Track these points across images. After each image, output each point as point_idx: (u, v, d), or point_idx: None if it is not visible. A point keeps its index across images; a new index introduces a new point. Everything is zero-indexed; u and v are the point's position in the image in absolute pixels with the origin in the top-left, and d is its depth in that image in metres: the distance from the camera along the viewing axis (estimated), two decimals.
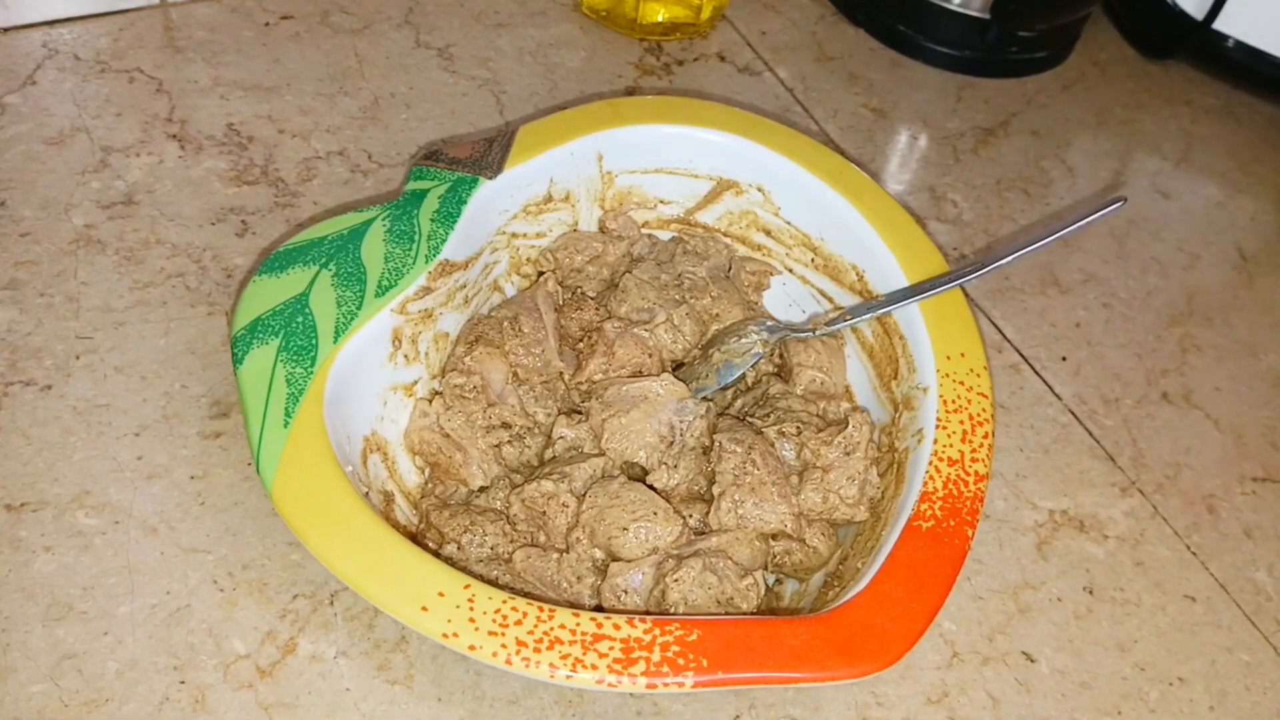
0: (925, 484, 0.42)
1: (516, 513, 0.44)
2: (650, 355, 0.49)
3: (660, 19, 0.71)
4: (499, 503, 0.46)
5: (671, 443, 0.46)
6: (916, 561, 0.40)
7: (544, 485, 0.44)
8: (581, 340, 0.51)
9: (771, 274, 0.55)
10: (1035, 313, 0.61)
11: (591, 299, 0.53)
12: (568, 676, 0.35)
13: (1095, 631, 0.47)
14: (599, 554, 0.43)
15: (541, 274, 0.53)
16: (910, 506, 0.41)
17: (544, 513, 0.44)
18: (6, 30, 0.63)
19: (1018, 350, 0.58)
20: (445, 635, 0.35)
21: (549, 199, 0.53)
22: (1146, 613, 0.48)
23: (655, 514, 0.43)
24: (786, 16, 0.77)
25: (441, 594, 0.36)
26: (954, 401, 0.45)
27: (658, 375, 0.47)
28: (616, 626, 0.36)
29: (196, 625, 0.42)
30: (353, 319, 0.44)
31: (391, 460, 0.46)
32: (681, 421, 0.46)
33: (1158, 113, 0.76)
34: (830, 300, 0.54)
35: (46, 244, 0.53)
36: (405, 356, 0.47)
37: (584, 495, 0.44)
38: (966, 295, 0.50)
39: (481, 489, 0.47)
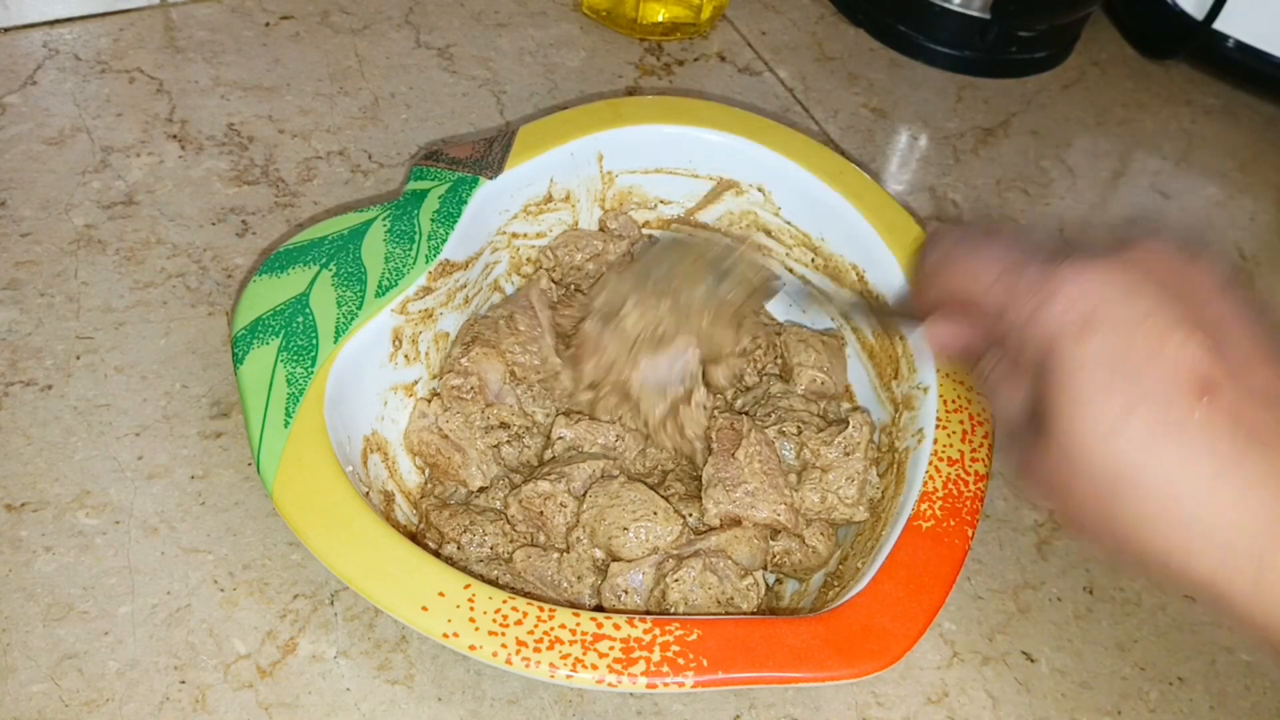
0: (925, 484, 0.42)
1: (515, 513, 0.44)
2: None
3: (660, 19, 0.71)
4: (498, 503, 0.46)
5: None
6: (916, 561, 0.40)
7: (541, 486, 0.44)
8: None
9: None
10: None
11: (586, 295, 0.53)
12: (568, 676, 0.35)
13: (1095, 631, 0.47)
14: (599, 554, 0.43)
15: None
16: (910, 506, 0.41)
17: (541, 513, 0.44)
18: (7, 30, 0.63)
19: None
20: (445, 635, 0.35)
21: (549, 199, 0.53)
22: (1146, 612, 0.48)
23: (655, 514, 0.43)
24: (786, 16, 0.77)
25: (441, 594, 0.36)
26: (954, 401, 0.45)
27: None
28: (616, 626, 0.36)
29: (197, 625, 0.42)
30: (353, 319, 0.44)
31: (392, 460, 0.46)
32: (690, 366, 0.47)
33: (1158, 113, 0.76)
34: (830, 300, 0.54)
35: (47, 244, 0.53)
36: (406, 356, 0.47)
37: (583, 495, 0.44)
38: None
39: (481, 489, 0.47)
